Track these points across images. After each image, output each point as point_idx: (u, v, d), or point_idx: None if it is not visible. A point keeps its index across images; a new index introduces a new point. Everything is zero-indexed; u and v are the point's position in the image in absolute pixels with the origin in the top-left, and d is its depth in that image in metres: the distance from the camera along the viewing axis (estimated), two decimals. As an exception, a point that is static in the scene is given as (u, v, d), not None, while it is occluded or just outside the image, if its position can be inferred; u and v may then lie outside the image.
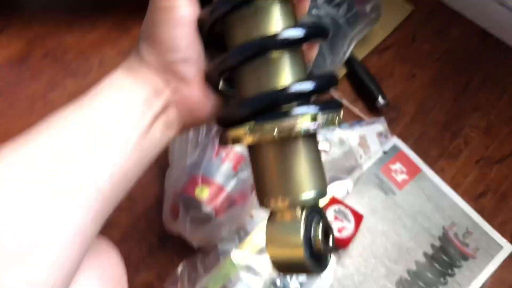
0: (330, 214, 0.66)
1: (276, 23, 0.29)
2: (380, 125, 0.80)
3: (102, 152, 0.28)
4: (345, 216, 0.66)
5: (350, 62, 0.85)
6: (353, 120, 0.81)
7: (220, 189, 0.56)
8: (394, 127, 0.81)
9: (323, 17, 0.73)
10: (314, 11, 0.74)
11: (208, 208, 0.55)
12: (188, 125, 0.34)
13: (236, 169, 0.58)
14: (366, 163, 0.75)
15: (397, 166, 0.76)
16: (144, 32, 0.32)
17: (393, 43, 0.90)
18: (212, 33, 0.31)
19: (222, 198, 0.56)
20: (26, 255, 0.24)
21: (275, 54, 0.29)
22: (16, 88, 0.77)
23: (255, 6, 0.29)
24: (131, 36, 0.84)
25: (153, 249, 0.64)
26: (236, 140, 0.29)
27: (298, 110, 0.28)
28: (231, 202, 0.57)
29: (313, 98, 0.30)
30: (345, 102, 0.83)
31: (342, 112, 0.31)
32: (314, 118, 0.28)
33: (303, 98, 0.29)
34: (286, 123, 0.28)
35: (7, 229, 0.24)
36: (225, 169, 0.57)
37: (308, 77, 0.30)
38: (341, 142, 0.77)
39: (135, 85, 0.31)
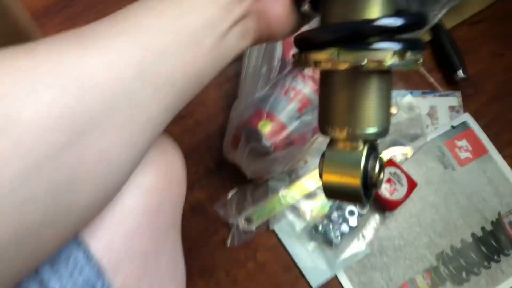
0: (385, 175, 0.66)
1: None
2: (454, 99, 0.78)
3: (179, 50, 0.29)
4: (399, 180, 0.66)
5: (436, 29, 0.81)
6: (427, 89, 0.79)
7: (283, 126, 0.58)
8: (468, 104, 0.78)
9: None
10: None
11: (267, 142, 0.57)
12: (263, 38, 0.34)
13: (301, 112, 0.59)
14: (431, 134, 0.74)
15: (463, 143, 0.74)
16: None
17: (487, 17, 0.85)
18: None
19: (282, 135, 0.58)
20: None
21: None
22: (109, 0, 0.81)
23: None
24: None
25: (209, 172, 0.68)
26: (317, 63, 0.30)
27: (386, 44, 0.29)
28: (290, 142, 0.59)
29: (398, 35, 0.30)
30: (422, 69, 0.80)
31: (422, 56, 0.31)
32: (401, 55, 0.28)
33: (390, 33, 0.29)
34: (373, 55, 0.28)
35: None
36: (291, 109, 0.59)
37: (397, 14, 0.30)
38: (410, 107, 0.75)
39: None
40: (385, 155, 0.70)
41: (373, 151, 0.31)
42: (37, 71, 0.23)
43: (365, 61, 0.28)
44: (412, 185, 0.67)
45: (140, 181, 0.34)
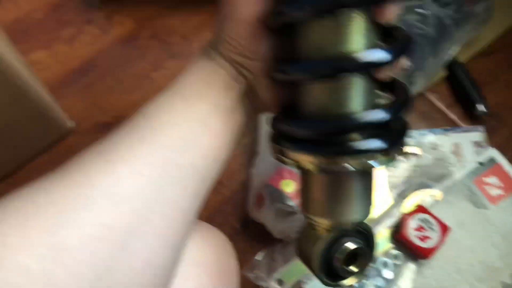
0: (414, 222, 0.64)
1: (356, 40, 0.26)
2: (477, 134, 0.76)
3: (194, 137, 0.31)
4: (430, 226, 0.64)
5: (451, 64, 0.80)
6: (448, 126, 0.78)
7: (307, 184, 0.57)
8: (493, 138, 0.76)
9: (428, 17, 0.70)
10: (419, 11, 0.71)
11: (292, 202, 0.56)
12: (263, 111, 0.35)
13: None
14: (458, 173, 0.72)
15: (492, 179, 0.72)
16: (218, 26, 0.33)
17: (501, 47, 0.84)
18: (280, 29, 0.30)
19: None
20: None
21: (351, 77, 0.27)
22: (125, 64, 0.83)
23: (336, 18, 0.26)
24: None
25: (235, 233, 0.67)
26: (297, 163, 0.29)
27: (370, 144, 0.27)
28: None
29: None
30: (441, 106, 0.79)
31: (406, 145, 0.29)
32: (386, 153, 0.27)
33: (374, 128, 0.27)
34: (355, 157, 0.27)
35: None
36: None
37: (380, 105, 0.28)
38: (434, 147, 0.74)
39: (217, 72, 0.32)
40: (413, 199, 0.68)
41: (352, 236, 0.31)
42: (73, 199, 0.25)
43: (347, 164, 0.27)
44: (444, 229, 0.65)
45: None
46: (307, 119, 0.29)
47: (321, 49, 0.27)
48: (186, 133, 0.30)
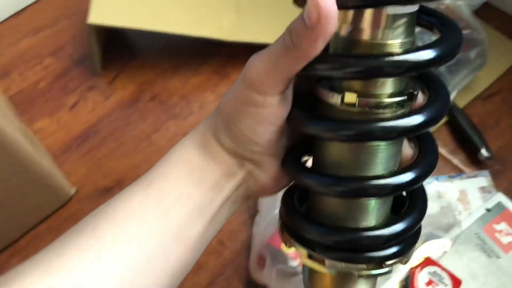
0: (424, 276, 0.62)
1: (380, 165, 0.26)
2: (483, 179, 0.75)
3: (167, 249, 0.28)
4: (441, 280, 0.62)
5: (450, 110, 0.80)
6: (453, 172, 0.76)
7: (307, 243, 0.56)
8: (499, 182, 0.75)
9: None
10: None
11: (294, 263, 0.55)
12: (255, 198, 0.34)
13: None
14: (466, 221, 0.70)
15: (502, 226, 0.69)
16: (224, 113, 0.29)
17: (500, 89, 0.84)
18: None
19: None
20: None
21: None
22: (126, 128, 0.84)
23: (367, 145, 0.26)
24: (231, 81, 0.88)
25: (239, 296, 0.66)
26: (304, 259, 0.29)
27: (385, 252, 0.27)
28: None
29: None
30: (444, 152, 0.78)
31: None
32: (400, 260, 0.27)
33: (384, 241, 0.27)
34: (364, 266, 0.27)
35: None
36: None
37: (392, 220, 0.28)
38: (439, 196, 0.72)
39: (207, 167, 0.29)
40: (421, 251, 0.66)
41: None
42: None
43: (354, 271, 0.27)
44: (456, 283, 0.62)
45: None
46: (324, 225, 0.28)
47: (344, 168, 0.27)
48: (152, 251, 0.27)
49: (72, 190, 0.76)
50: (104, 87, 0.89)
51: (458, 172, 0.76)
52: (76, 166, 0.80)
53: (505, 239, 0.68)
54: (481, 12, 0.86)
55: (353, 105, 0.25)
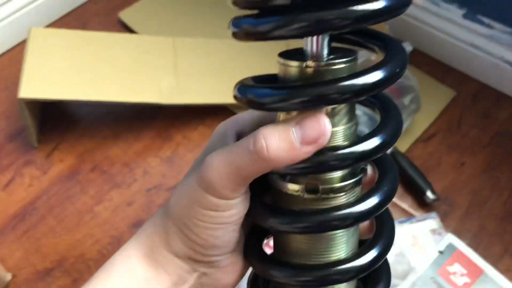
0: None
1: (341, 248, 0.26)
2: (432, 221, 0.75)
3: None
4: (402, 332, 0.60)
5: (393, 155, 0.82)
6: (403, 217, 0.77)
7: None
8: (448, 222, 0.76)
9: (359, 116, 0.72)
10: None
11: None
12: None
13: None
14: (421, 266, 0.70)
15: (456, 267, 0.69)
16: (176, 216, 0.26)
17: (437, 131, 0.87)
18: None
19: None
20: None
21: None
22: (66, 202, 0.80)
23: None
24: (174, 143, 0.87)
25: None
26: None
27: None
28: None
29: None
30: (392, 197, 0.79)
31: None
32: None
33: None
34: None
35: None
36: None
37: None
38: (391, 243, 0.72)
39: (156, 277, 0.26)
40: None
41: None
42: None
43: None
44: (417, 333, 0.60)
45: None
46: None
47: (305, 255, 0.27)
48: None
49: (8, 276, 0.70)
50: (42, 161, 0.85)
51: (407, 217, 0.77)
52: (12, 249, 0.75)
53: (460, 280, 0.68)
54: (411, 58, 0.91)
55: (312, 191, 0.25)
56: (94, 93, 0.82)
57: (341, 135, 0.25)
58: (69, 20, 1.09)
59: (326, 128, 0.23)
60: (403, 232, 0.74)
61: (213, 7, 1.04)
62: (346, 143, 0.24)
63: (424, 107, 0.85)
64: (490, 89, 0.93)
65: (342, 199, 0.25)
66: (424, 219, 0.76)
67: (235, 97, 0.25)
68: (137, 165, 0.84)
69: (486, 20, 0.87)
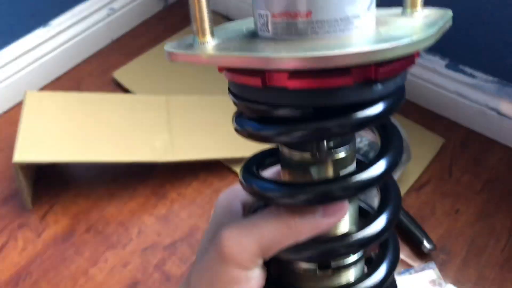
0: None
1: None
2: (431, 272, 0.75)
3: None
4: None
5: (388, 205, 0.82)
6: (401, 268, 0.76)
7: None
8: (447, 272, 0.75)
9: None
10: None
11: None
12: None
13: None
14: (423, 319, 0.68)
15: (458, 320, 0.68)
16: None
17: (429, 179, 0.88)
18: None
19: None
20: None
21: None
22: (60, 265, 0.79)
23: None
24: (169, 201, 0.87)
25: None
26: None
27: None
28: None
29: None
30: (389, 248, 0.79)
31: None
32: None
33: None
34: None
35: None
36: None
37: None
38: (391, 296, 0.71)
39: None
40: None
41: None
42: None
43: None
44: None
45: None
46: None
47: None
48: None
49: None
50: (36, 224, 0.85)
51: (406, 267, 0.76)
52: (5, 316, 0.73)
53: (463, 334, 0.67)
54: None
55: (324, 268, 0.26)
56: (88, 154, 0.83)
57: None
58: (64, 81, 1.11)
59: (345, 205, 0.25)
60: (402, 284, 0.73)
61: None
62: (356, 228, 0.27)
63: (415, 156, 0.86)
64: (478, 135, 0.95)
65: (351, 271, 0.27)
66: (422, 270, 0.75)
67: (241, 182, 0.27)
68: (132, 224, 0.84)
69: (468, 69, 0.91)
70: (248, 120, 0.24)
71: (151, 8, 1.25)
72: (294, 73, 0.20)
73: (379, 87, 0.21)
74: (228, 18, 1.21)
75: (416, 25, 0.22)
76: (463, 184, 0.87)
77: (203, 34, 0.23)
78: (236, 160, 0.88)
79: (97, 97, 0.93)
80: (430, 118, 0.97)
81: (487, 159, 0.91)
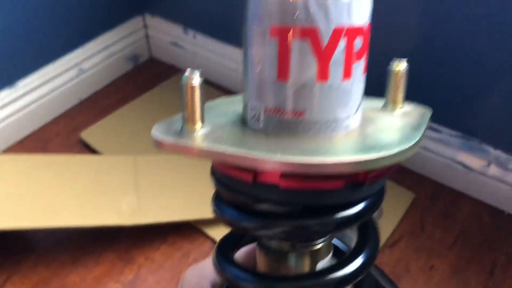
0: None
1: None
2: (409, 333, 0.72)
3: None
4: None
5: (362, 264, 0.81)
6: (378, 330, 0.74)
7: None
8: (425, 333, 0.73)
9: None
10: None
11: None
12: None
13: None
14: None
15: None
16: None
17: (402, 234, 0.88)
18: None
19: None
20: None
21: None
22: None
23: None
24: (136, 266, 0.83)
25: None
26: None
27: None
28: None
29: None
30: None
31: None
32: None
33: None
34: None
35: None
36: None
37: None
38: None
39: None
40: None
41: None
42: None
43: None
44: None
45: None
46: None
47: None
48: None
49: None
50: (-9, 295, 0.79)
51: (383, 330, 0.74)
52: None
53: None
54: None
55: None
56: (51, 220, 0.79)
57: None
58: (29, 142, 1.09)
59: None
60: None
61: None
62: None
63: (386, 212, 0.86)
64: (447, 189, 0.96)
65: None
66: (400, 332, 0.73)
67: (214, 265, 0.26)
68: (96, 293, 0.79)
69: (433, 125, 0.93)
70: (229, 208, 0.24)
71: (120, 68, 1.26)
72: (287, 174, 0.21)
73: (366, 189, 0.22)
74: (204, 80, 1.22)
75: (401, 128, 0.23)
76: (436, 238, 0.87)
77: (194, 122, 0.22)
78: (207, 222, 0.86)
79: (63, 159, 0.91)
80: (399, 173, 0.98)
81: (457, 213, 0.91)
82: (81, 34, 1.15)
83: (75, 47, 1.14)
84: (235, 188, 0.23)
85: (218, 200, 0.25)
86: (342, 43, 0.21)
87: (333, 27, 0.21)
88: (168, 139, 0.22)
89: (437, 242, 0.86)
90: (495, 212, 0.91)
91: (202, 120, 0.22)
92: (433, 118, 0.88)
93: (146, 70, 1.29)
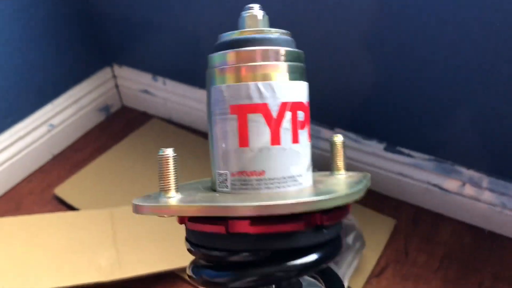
0: None
1: None
2: None
3: None
4: None
5: (350, 298, 0.80)
6: None
7: None
8: None
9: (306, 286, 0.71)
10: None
11: None
12: None
13: None
14: None
15: None
16: None
17: (387, 262, 0.87)
18: None
19: None
20: None
21: None
22: None
23: None
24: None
25: None
26: None
27: None
28: None
29: None
30: None
31: None
32: None
33: None
34: None
35: None
36: None
37: None
38: None
39: None
40: None
41: None
42: None
43: None
44: None
45: None
46: None
47: None
48: None
49: None
50: None
51: None
52: None
53: None
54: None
55: None
56: (27, 283, 0.76)
57: None
58: (1, 204, 1.06)
59: None
60: None
61: (148, 169, 1.06)
62: None
63: (369, 241, 0.85)
64: (426, 212, 0.96)
65: None
66: None
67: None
68: None
69: (405, 150, 0.94)
70: (204, 268, 0.27)
71: (92, 120, 1.25)
72: (255, 220, 0.24)
73: (325, 232, 0.26)
74: (171, 122, 1.23)
75: (346, 183, 0.27)
76: (420, 264, 0.87)
77: (168, 191, 0.26)
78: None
79: (36, 218, 0.89)
80: (378, 200, 0.99)
81: (439, 235, 0.92)
82: (50, 90, 1.15)
83: (45, 103, 1.14)
84: (210, 244, 0.26)
85: (194, 266, 0.28)
86: (288, 114, 0.26)
87: (279, 102, 0.26)
88: (146, 204, 0.26)
89: (422, 268, 0.86)
90: (475, 231, 0.92)
91: (177, 189, 0.26)
92: (405, 144, 0.90)
93: (118, 119, 1.29)
